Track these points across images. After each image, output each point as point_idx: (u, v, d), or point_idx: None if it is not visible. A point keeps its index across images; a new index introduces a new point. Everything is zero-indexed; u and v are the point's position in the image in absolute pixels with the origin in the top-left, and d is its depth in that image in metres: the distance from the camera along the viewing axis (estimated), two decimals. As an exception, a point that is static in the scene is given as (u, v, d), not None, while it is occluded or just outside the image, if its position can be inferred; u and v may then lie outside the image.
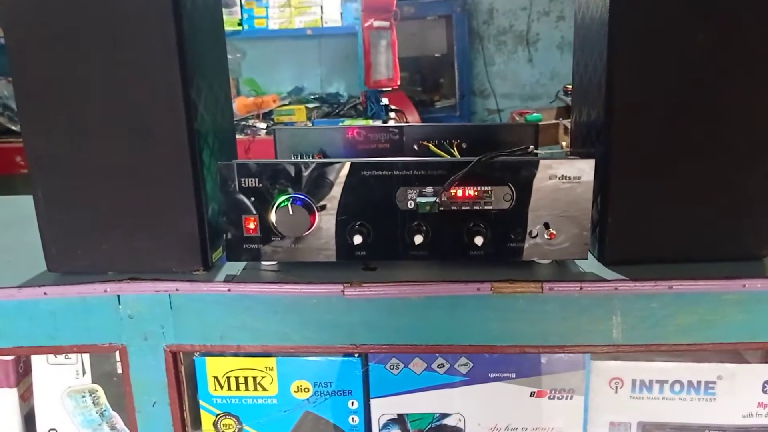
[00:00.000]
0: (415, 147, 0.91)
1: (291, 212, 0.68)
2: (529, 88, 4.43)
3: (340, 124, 2.43)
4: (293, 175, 0.69)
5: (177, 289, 0.70)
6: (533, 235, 0.69)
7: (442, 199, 0.68)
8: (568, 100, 3.51)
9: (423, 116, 3.46)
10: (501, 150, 0.87)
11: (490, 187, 0.68)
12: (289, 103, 2.86)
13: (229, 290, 0.70)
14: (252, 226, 0.70)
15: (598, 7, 0.71)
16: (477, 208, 0.69)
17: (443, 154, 0.87)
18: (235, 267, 0.74)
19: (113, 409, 0.82)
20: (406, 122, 3.03)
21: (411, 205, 0.69)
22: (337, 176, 0.69)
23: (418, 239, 0.68)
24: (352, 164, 0.68)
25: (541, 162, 0.68)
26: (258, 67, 3.28)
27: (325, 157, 0.90)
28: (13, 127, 2.58)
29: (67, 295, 0.71)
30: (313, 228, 0.69)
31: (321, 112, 2.76)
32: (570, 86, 3.23)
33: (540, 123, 3.39)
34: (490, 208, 0.69)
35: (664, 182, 0.69)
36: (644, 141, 0.69)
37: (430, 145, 0.89)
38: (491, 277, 0.69)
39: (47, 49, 0.67)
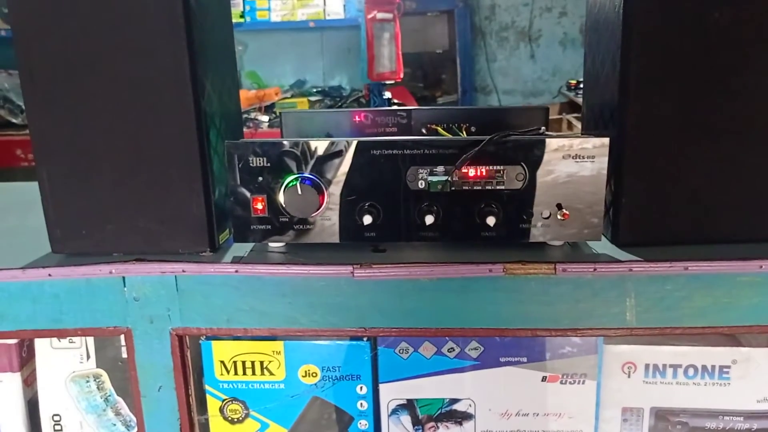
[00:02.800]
0: (423, 131, 0.89)
1: (300, 192, 0.67)
2: (531, 84, 4.42)
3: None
4: (302, 154, 0.67)
5: (183, 271, 0.69)
6: (546, 216, 0.68)
7: (454, 179, 0.67)
8: (572, 95, 3.50)
9: (425, 111, 3.44)
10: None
11: (502, 167, 0.67)
12: (291, 96, 2.84)
13: (236, 272, 0.69)
14: (260, 206, 0.69)
15: (612, -16, 0.70)
16: (489, 188, 0.67)
17: (451, 136, 0.86)
18: (243, 248, 0.73)
19: (118, 395, 0.81)
20: (409, 116, 3.01)
21: (422, 185, 0.68)
22: (346, 156, 0.67)
23: (429, 220, 0.67)
24: (361, 143, 0.67)
25: (555, 140, 0.66)
26: (260, 59, 3.27)
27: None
28: (14, 120, 2.57)
29: (72, 276, 0.70)
30: (321, 208, 0.68)
31: (323, 105, 2.74)
32: (573, 81, 3.22)
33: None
34: (503, 188, 0.67)
35: (679, 162, 0.68)
36: (659, 120, 0.67)
37: (438, 128, 0.88)
38: (503, 259, 0.68)
39: (52, 27, 0.65)
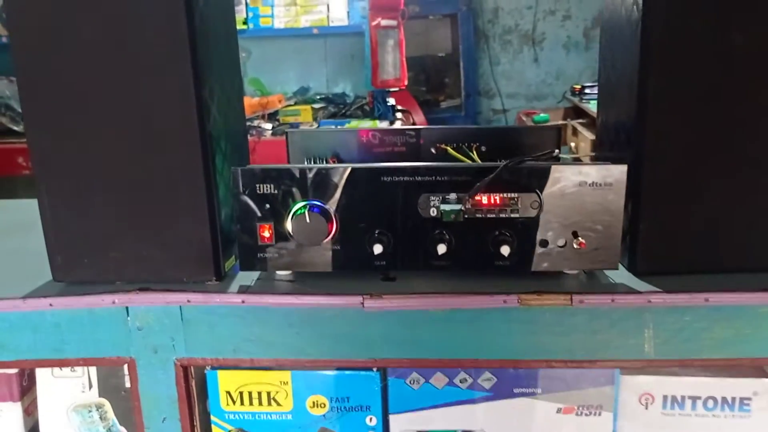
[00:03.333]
0: (433, 150, 0.87)
1: (308, 220, 0.65)
2: (535, 88, 4.40)
3: (347, 125, 2.40)
4: (310, 180, 0.65)
5: (188, 301, 0.67)
6: (561, 245, 0.66)
7: (467, 207, 0.65)
8: (576, 100, 3.48)
9: (428, 116, 3.43)
10: (522, 154, 0.85)
11: (516, 194, 0.65)
12: (295, 104, 2.83)
13: (243, 302, 0.67)
14: (267, 234, 0.67)
15: (628, 3, 0.68)
16: (503, 215, 0.65)
17: (462, 157, 0.84)
18: (249, 277, 0.71)
19: (121, 425, 0.79)
20: (413, 123, 3.00)
21: (434, 212, 0.66)
22: (357, 182, 0.65)
23: (441, 249, 0.65)
24: (372, 170, 0.65)
25: (571, 168, 0.64)
26: (263, 66, 3.26)
27: (339, 160, 0.87)
28: (15, 128, 2.55)
29: (74, 306, 0.68)
30: (330, 236, 0.66)
31: (327, 112, 2.73)
32: (578, 86, 3.19)
33: (547, 124, 3.36)
34: (517, 215, 0.65)
35: (699, 188, 0.66)
36: (678, 145, 0.65)
37: (448, 148, 0.86)
38: (517, 289, 0.66)
39: (53, 49, 0.64)
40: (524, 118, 3.79)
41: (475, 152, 0.86)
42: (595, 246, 0.66)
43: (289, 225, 0.66)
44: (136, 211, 0.67)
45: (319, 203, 0.66)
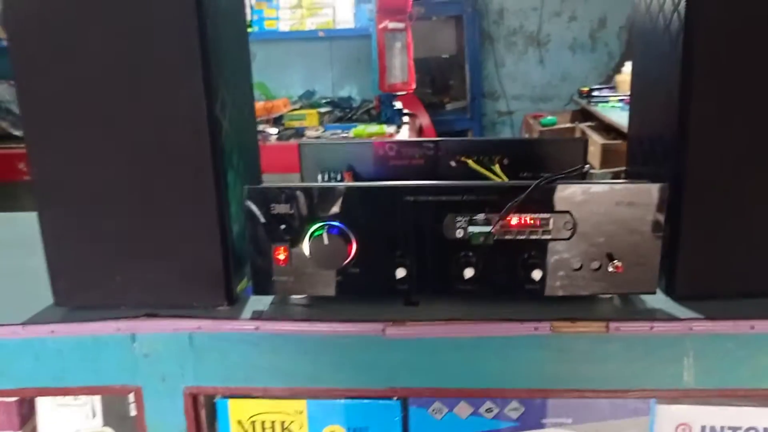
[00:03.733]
0: (453, 163, 0.83)
1: (326, 242, 0.61)
2: (540, 90, 4.36)
3: (353, 129, 2.35)
4: (328, 200, 0.61)
5: (199, 327, 0.63)
6: (595, 267, 0.62)
7: (496, 228, 0.61)
8: (584, 103, 3.43)
9: (434, 119, 3.39)
10: (547, 167, 0.81)
11: (549, 215, 0.61)
12: (300, 108, 2.78)
13: (256, 329, 0.63)
14: (282, 257, 0.63)
15: (668, 6, 0.64)
16: (534, 237, 0.61)
17: (485, 171, 0.80)
18: (262, 301, 0.67)
19: (126, 454, 0.75)
20: (419, 127, 2.96)
21: (460, 234, 0.62)
22: (379, 202, 0.61)
23: (469, 273, 0.61)
24: (395, 189, 0.61)
25: (608, 186, 0.60)
26: (268, 69, 3.21)
27: (354, 174, 0.83)
28: (15, 132, 2.51)
29: (77, 333, 0.64)
30: (349, 259, 0.62)
31: (333, 116, 2.68)
32: (585, 89, 3.14)
33: (555, 127, 3.32)
34: (549, 237, 0.61)
35: (743, 208, 0.62)
36: (723, 161, 0.61)
37: (469, 161, 0.82)
38: (548, 314, 0.62)
39: (56, 59, 0.60)
40: (531, 121, 3.75)
41: (497, 165, 0.82)
42: (631, 269, 0.62)
43: (305, 247, 0.62)
44: (143, 232, 0.63)
45: (338, 224, 0.62)
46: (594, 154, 2.71)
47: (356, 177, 0.83)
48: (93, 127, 0.61)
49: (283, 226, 0.62)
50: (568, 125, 3.40)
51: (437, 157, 0.84)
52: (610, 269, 0.61)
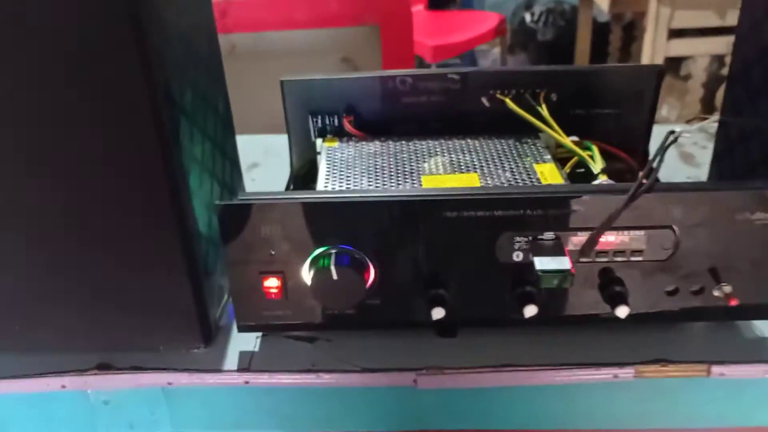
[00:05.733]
0: (485, 101, 0.64)
1: (335, 276, 0.44)
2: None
3: None
4: (335, 216, 0.44)
5: (169, 383, 0.48)
6: (695, 290, 0.46)
7: (570, 250, 0.44)
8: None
9: None
10: (609, 103, 0.63)
11: (643, 232, 0.44)
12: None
13: (246, 383, 0.48)
14: (274, 289, 0.46)
15: None
16: (619, 259, 0.45)
17: (527, 116, 0.61)
18: (250, 336, 0.51)
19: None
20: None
21: (518, 257, 0.45)
22: (406, 220, 0.44)
23: (530, 311, 0.45)
24: (429, 202, 0.43)
25: (729, 194, 0.43)
26: None
27: (356, 116, 0.63)
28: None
29: (9, 391, 0.48)
30: (368, 292, 0.45)
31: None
32: None
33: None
34: (640, 259, 0.45)
35: None
36: None
37: (507, 100, 0.62)
38: (632, 356, 0.47)
39: None
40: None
41: (543, 104, 0.62)
42: (741, 293, 0.46)
43: (306, 275, 0.45)
44: (83, 263, 0.45)
45: (349, 249, 0.44)
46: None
47: (358, 119, 0.64)
48: (16, 136, 0.41)
49: (273, 252, 0.45)
50: None
51: (464, 93, 0.64)
52: (716, 293, 0.46)
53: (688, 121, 0.86)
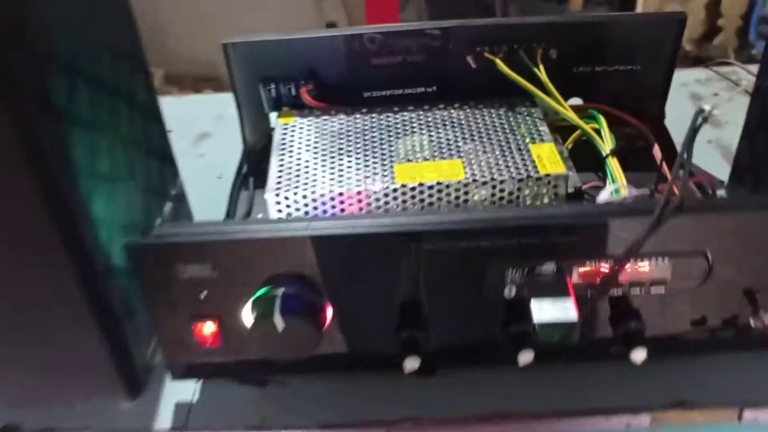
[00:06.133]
0: (470, 60, 0.53)
1: (280, 327, 0.35)
2: None
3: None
4: (283, 254, 0.34)
5: (90, 447, 0.40)
6: (727, 317, 0.38)
7: (576, 282, 0.35)
8: None
9: None
10: (621, 60, 0.53)
11: (667, 260, 0.35)
12: None
13: (184, 443, 0.40)
14: (209, 335, 0.37)
15: None
16: (638, 290, 0.36)
17: (520, 79, 0.50)
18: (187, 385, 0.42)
19: None
20: None
21: (510, 293, 0.36)
22: (376, 255, 0.34)
23: (525, 358, 0.36)
24: (403, 235, 0.34)
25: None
26: None
27: (316, 84, 0.53)
28: None
29: None
30: (323, 337, 0.37)
31: None
32: None
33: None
34: (662, 292, 0.36)
35: None
36: None
37: (496, 59, 0.52)
38: (648, 398, 0.39)
39: None
40: None
41: (541, 63, 0.52)
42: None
43: (249, 321, 0.36)
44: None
45: (297, 289, 0.35)
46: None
47: (319, 88, 0.53)
48: None
49: (203, 294, 0.36)
50: None
51: (445, 51, 0.53)
52: (753, 324, 0.37)
53: (706, 65, 0.75)
